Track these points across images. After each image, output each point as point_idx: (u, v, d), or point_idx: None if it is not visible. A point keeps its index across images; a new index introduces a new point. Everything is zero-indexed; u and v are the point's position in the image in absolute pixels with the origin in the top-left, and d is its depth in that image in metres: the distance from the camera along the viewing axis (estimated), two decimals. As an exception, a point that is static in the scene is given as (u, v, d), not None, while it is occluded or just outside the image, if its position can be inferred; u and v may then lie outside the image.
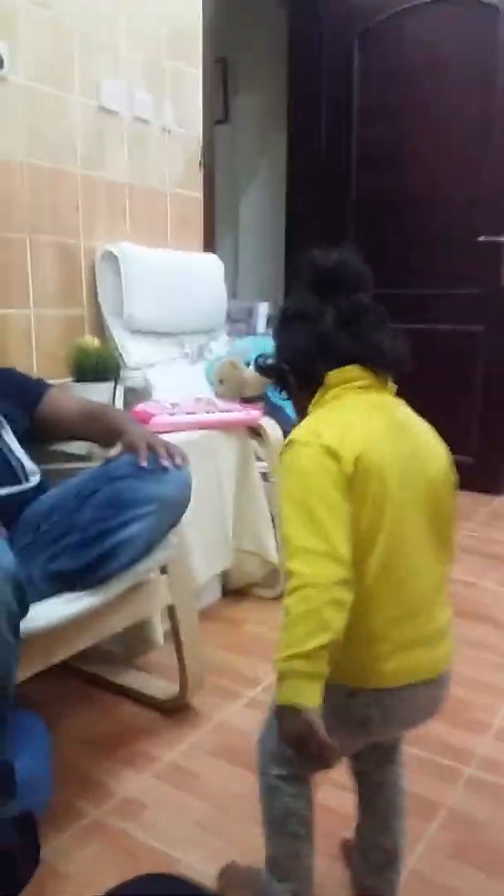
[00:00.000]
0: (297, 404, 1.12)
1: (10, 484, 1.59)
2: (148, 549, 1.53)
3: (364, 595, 0.94)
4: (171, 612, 1.73)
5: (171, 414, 2.17)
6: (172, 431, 2.01)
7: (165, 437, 1.65)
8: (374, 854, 1.21)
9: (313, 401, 1.05)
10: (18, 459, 1.63)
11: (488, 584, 2.61)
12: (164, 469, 1.52)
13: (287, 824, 1.11)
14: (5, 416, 1.67)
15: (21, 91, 2.21)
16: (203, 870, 1.29)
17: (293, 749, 0.89)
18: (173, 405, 2.24)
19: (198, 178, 3.00)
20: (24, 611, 1.17)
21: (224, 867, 1.28)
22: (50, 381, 1.88)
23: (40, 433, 1.76)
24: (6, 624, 1.13)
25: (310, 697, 0.86)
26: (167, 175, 2.83)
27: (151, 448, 1.55)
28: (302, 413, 1.09)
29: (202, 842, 1.38)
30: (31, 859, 1.03)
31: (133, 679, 1.88)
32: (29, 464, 1.65)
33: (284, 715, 0.88)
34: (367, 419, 1.00)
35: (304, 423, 1.03)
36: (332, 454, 0.92)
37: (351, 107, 3.72)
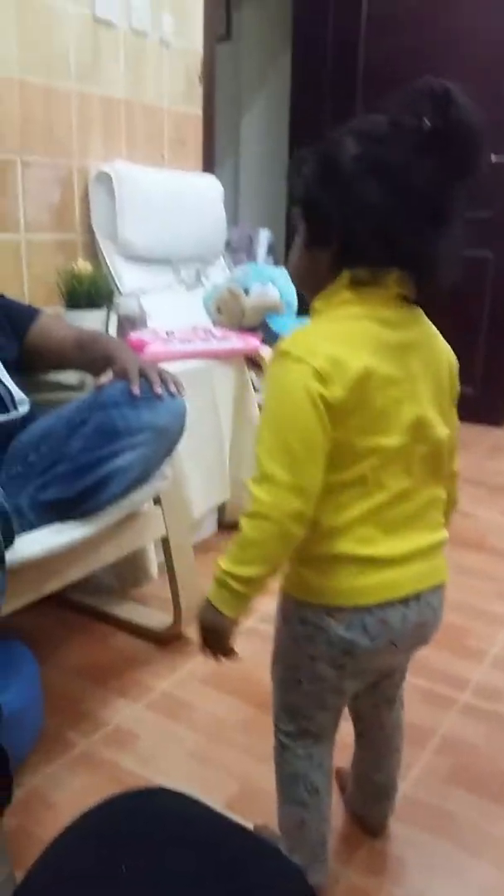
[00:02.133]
0: (308, 273, 0.96)
1: (-2, 412, 1.54)
2: (141, 479, 1.49)
3: (347, 510, 0.91)
4: (164, 543, 1.71)
5: (167, 342, 2.11)
6: (168, 360, 1.95)
7: (161, 365, 1.60)
8: (367, 787, 1.22)
9: (322, 297, 0.93)
10: (7, 388, 1.58)
11: (489, 513, 2.59)
12: (158, 397, 1.48)
13: (295, 790, 1.05)
14: (-6, 343, 1.62)
15: (8, -3, 2.09)
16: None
17: (200, 634, 0.96)
18: (169, 333, 2.17)
19: (197, 95, 2.86)
20: (8, 541, 1.14)
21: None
22: (41, 309, 1.81)
23: (31, 361, 1.71)
24: (-9, 554, 1.10)
25: (231, 610, 0.91)
26: (165, 92, 2.70)
27: (145, 375, 1.50)
28: (301, 282, 0.98)
29: (195, 772, 1.37)
30: (3, 798, 0.99)
31: (127, 610, 1.87)
32: (18, 392, 1.60)
33: (208, 608, 0.92)
34: (373, 338, 0.89)
35: (301, 332, 0.91)
36: (322, 378, 0.85)
37: (359, 19, 3.53)
